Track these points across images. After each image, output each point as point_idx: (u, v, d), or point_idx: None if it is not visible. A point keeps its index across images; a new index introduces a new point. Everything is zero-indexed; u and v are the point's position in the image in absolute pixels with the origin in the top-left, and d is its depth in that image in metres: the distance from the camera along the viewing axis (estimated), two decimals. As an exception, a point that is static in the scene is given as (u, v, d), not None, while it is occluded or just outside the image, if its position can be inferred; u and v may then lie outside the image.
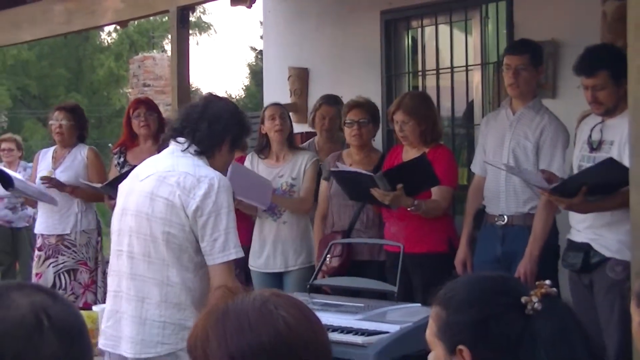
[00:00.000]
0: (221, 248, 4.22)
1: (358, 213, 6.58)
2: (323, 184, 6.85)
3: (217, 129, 4.39)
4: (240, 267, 6.84)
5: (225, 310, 2.03)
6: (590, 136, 5.53)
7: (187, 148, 4.37)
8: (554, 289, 2.35)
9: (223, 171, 4.55)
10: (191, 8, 7.05)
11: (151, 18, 26.79)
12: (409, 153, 6.40)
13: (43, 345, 1.71)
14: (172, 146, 4.45)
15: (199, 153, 4.37)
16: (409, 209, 6.05)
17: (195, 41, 35.11)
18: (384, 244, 6.35)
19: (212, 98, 4.66)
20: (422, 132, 6.35)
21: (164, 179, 4.30)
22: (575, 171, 5.53)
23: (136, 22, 28.52)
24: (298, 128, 8.03)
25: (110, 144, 8.06)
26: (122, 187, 4.58)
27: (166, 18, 14.72)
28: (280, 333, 1.96)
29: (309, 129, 8.40)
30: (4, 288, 1.82)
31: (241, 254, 4.32)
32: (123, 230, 4.42)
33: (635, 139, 4.25)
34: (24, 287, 1.84)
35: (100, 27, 15.18)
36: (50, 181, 7.52)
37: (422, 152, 6.27)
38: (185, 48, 6.80)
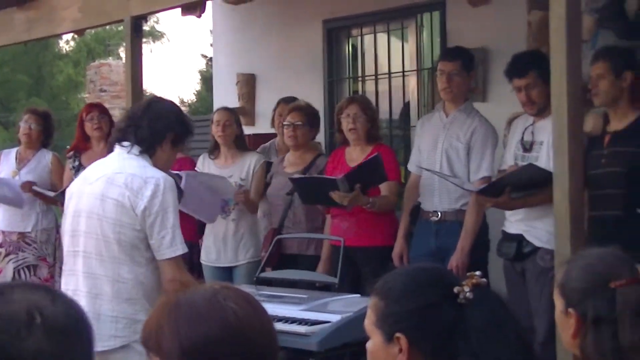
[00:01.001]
0: (169, 244, 4.20)
1: (286, 212, 6.59)
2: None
3: (158, 126, 4.36)
4: (192, 261, 6.84)
5: (177, 303, 2.00)
6: (523, 137, 5.60)
7: (131, 150, 4.34)
8: (484, 280, 2.35)
9: (166, 168, 4.53)
10: (144, 17, 7.02)
11: (107, 27, 26.62)
12: (352, 154, 6.40)
13: (29, 341, 1.67)
14: (118, 149, 4.41)
15: (142, 152, 4.34)
16: (365, 207, 6.05)
17: (149, 49, 35.01)
18: (325, 239, 6.33)
19: (155, 99, 4.68)
20: (369, 128, 6.34)
21: (113, 181, 4.26)
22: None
23: (93, 31, 28.33)
24: (246, 130, 7.98)
25: (68, 146, 7.98)
26: (71, 190, 4.53)
27: (121, 27, 14.62)
28: (229, 323, 1.95)
29: (257, 132, 8.40)
30: (9, 286, 1.80)
31: (186, 250, 4.31)
32: (77, 232, 4.38)
33: (558, 138, 4.28)
34: (27, 286, 1.83)
35: (59, 36, 15.05)
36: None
37: (364, 151, 6.31)
38: (138, 55, 6.78)
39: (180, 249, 4.24)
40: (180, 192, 6.03)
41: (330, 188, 5.98)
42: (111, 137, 4.70)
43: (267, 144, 7.63)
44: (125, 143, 4.38)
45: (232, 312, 1.97)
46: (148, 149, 4.36)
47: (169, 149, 4.44)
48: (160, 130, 4.37)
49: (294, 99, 7.49)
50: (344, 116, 6.35)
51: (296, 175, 6.38)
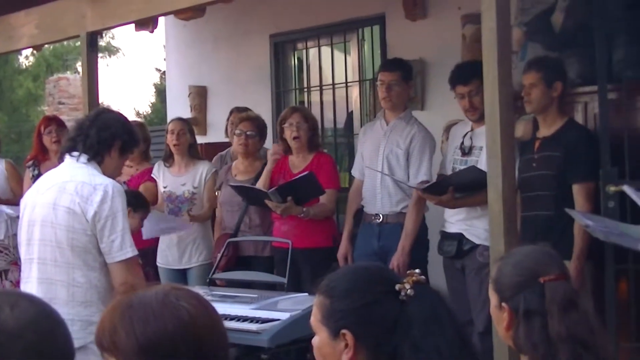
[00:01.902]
0: (119, 247, 4.16)
1: (242, 217, 6.56)
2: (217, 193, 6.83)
3: (106, 134, 4.34)
4: (149, 265, 6.84)
5: (130, 303, 1.98)
6: (462, 143, 5.65)
7: (80, 158, 4.31)
8: (423, 277, 2.36)
9: (114, 175, 4.51)
10: (99, 33, 6.97)
11: (65, 42, 26.36)
12: (295, 161, 6.39)
13: None
14: (68, 159, 4.37)
15: (90, 160, 4.31)
16: (299, 215, 6.05)
17: (106, 63, 34.67)
18: (272, 241, 6.32)
19: (103, 110, 4.67)
20: (310, 137, 6.34)
21: (64, 190, 4.23)
22: (449, 172, 5.64)
23: (51, 47, 28.07)
24: (199, 140, 7.93)
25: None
26: (25, 201, 4.49)
27: (78, 42, 14.50)
28: (183, 322, 1.93)
29: (209, 141, 8.37)
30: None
31: (136, 252, 4.25)
32: (31, 240, 4.33)
33: (491, 143, 4.31)
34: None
35: (18, 51, 14.87)
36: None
37: (306, 159, 6.31)
38: (94, 69, 6.72)
39: (130, 251, 4.19)
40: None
41: (263, 197, 6.01)
42: (61, 146, 4.66)
43: (224, 152, 7.60)
44: (75, 152, 4.34)
45: (185, 310, 1.96)
46: (96, 157, 4.32)
47: (117, 156, 4.40)
48: (107, 138, 4.34)
49: (246, 108, 7.48)
50: (287, 125, 6.33)
51: (233, 183, 6.38)
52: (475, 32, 6.43)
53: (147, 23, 7.16)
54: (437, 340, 2.27)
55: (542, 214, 5.32)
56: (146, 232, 6.33)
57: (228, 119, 7.53)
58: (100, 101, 7.01)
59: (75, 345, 4.22)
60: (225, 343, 2.06)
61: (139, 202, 5.80)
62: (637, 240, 4.52)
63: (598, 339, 2.59)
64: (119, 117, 4.54)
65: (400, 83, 6.02)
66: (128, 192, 5.15)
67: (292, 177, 6.23)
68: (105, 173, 4.36)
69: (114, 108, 4.98)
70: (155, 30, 8.09)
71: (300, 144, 6.33)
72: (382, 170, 5.98)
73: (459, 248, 5.58)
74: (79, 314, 4.19)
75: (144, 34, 8.60)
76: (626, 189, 4.80)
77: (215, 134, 8.82)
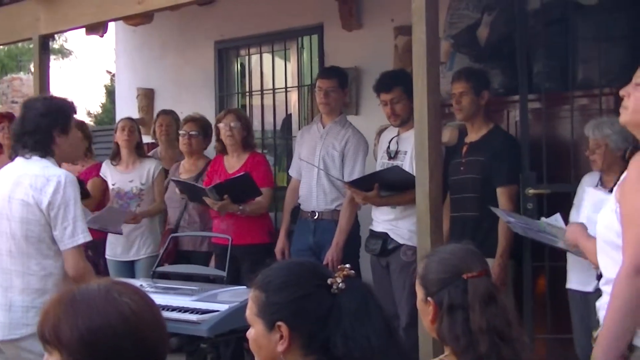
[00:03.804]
0: (70, 234, 4.10)
1: (182, 213, 6.52)
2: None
3: (39, 135, 4.20)
4: (100, 256, 6.84)
5: (73, 298, 1.94)
6: (389, 147, 5.66)
7: (31, 156, 4.22)
8: (353, 271, 2.37)
9: (75, 153, 4.48)
10: (51, 36, 6.89)
11: (19, 44, 25.97)
12: (230, 161, 6.35)
13: None
14: (20, 156, 4.28)
15: (42, 156, 4.22)
16: (236, 213, 6.02)
17: (59, 65, 34.23)
18: (212, 237, 6.28)
19: (26, 108, 4.37)
20: (244, 137, 6.30)
21: (19, 183, 4.15)
22: None
23: (6, 48, 27.71)
24: (145, 140, 7.85)
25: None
26: None
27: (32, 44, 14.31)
28: (125, 316, 1.90)
29: (152, 140, 8.30)
30: None
31: (89, 238, 4.18)
32: None
33: (420, 147, 4.32)
34: None
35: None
36: None
37: (240, 158, 6.30)
38: (46, 70, 6.66)
39: (82, 238, 4.12)
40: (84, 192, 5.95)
41: (202, 194, 5.98)
42: (11, 144, 4.54)
43: (150, 152, 7.54)
44: (25, 150, 4.25)
45: (127, 305, 1.92)
46: (45, 153, 4.23)
47: (65, 138, 4.25)
48: (42, 136, 4.20)
49: (172, 111, 7.43)
50: (222, 125, 6.30)
51: (174, 178, 6.34)
52: (406, 43, 6.46)
53: (97, 28, 7.10)
54: (366, 330, 2.28)
55: (469, 214, 5.37)
56: (91, 222, 6.29)
57: (155, 122, 7.49)
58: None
59: (29, 332, 4.16)
60: (165, 336, 2.03)
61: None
62: (554, 238, 4.57)
63: (515, 331, 2.61)
64: (42, 107, 4.29)
65: (336, 89, 6.04)
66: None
67: (227, 176, 6.22)
68: (63, 159, 4.32)
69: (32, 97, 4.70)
70: (105, 35, 8.03)
71: (234, 142, 6.28)
72: (318, 172, 5.98)
73: (383, 247, 5.59)
74: (34, 301, 4.13)
75: (96, 37, 8.51)
76: (496, 211, 4.89)
77: (151, 135, 8.73)
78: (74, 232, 4.11)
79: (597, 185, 4.94)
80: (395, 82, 5.45)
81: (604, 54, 5.43)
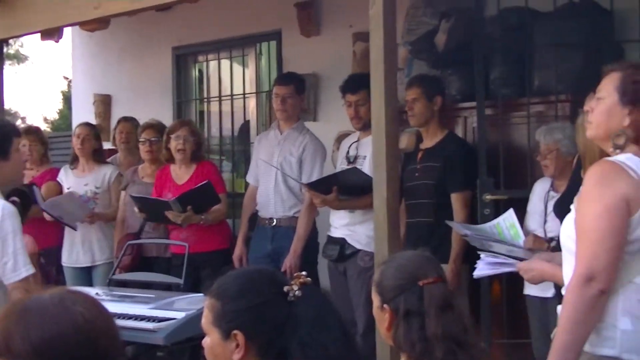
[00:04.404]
0: (12, 269, 3.94)
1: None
2: (122, 193, 6.69)
3: None
4: (51, 264, 6.75)
5: (25, 308, 1.91)
6: (348, 152, 5.67)
7: None
8: (309, 279, 2.36)
9: (17, 176, 4.37)
10: (5, 41, 6.80)
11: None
12: (177, 172, 6.30)
13: None
14: None
15: None
16: (199, 223, 5.99)
17: (14, 71, 33.88)
18: (170, 245, 6.24)
19: None
20: (194, 150, 6.27)
21: None
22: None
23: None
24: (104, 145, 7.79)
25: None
26: None
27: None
28: (79, 325, 1.87)
29: (112, 147, 8.24)
30: None
31: (31, 271, 4.01)
32: None
33: (377, 154, 4.33)
34: None
35: None
36: None
37: (189, 168, 6.25)
38: (0, 75, 6.55)
39: (24, 271, 3.96)
40: (29, 202, 5.87)
41: (164, 208, 5.93)
42: None
43: (110, 159, 7.48)
44: None
45: (80, 314, 1.89)
46: None
47: (5, 164, 4.09)
48: None
49: (133, 118, 7.38)
50: (174, 137, 6.23)
51: (134, 195, 6.26)
52: (365, 49, 6.47)
53: (52, 33, 7.03)
54: (323, 338, 2.27)
55: (424, 220, 5.39)
56: (49, 205, 6.29)
57: (115, 128, 7.44)
58: (5, 107, 6.85)
59: None
60: (119, 344, 2.00)
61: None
62: (512, 248, 4.60)
63: (471, 337, 2.62)
64: None
65: (293, 96, 6.03)
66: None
67: (177, 187, 6.17)
68: (6, 182, 4.21)
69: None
70: (60, 40, 7.95)
71: (184, 156, 6.23)
72: (276, 179, 5.97)
73: (341, 252, 5.59)
74: None
75: (52, 42, 8.44)
76: (453, 225, 4.92)
77: (111, 141, 8.67)
78: (15, 267, 3.95)
79: (548, 191, 4.98)
80: (362, 84, 5.46)
81: (560, 60, 5.48)
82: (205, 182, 5.97)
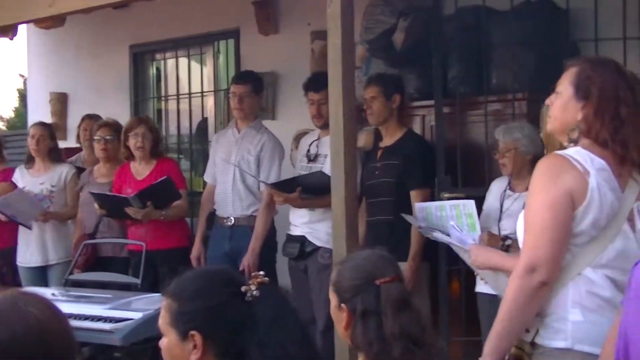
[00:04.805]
0: None
1: (100, 218, 6.41)
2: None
3: None
4: (7, 265, 6.72)
5: None
6: (308, 150, 5.68)
7: None
8: (267, 279, 2.37)
9: None
10: (-41, 39, 6.71)
11: None
12: (138, 168, 6.26)
13: None
14: None
15: None
16: (159, 218, 5.97)
17: (-31, 69, 33.56)
18: (127, 244, 6.20)
19: None
20: (153, 147, 6.24)
21: None
22: None
23: None
24: (59, 144, 7.72)
25: None
26: None
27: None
28: (31, 326, 1.86)
29: (69, 146, 8.19)
30: None
31: None
32: None
33: (335, 153, 4.33)
34: None
35: None
36: None
37: (149, 164, 6.23)
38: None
39: None
40: None
41: (124, 204, 5.90)
42: None
43: (74, 157, 7.43)
44: None
45: (33, 315, 1.89)
46: None
47: None
48: None
49: (97, 116, 7.33)
50: (132, 135, 6.20)
51: (93, 192, 6.22)
52: (323, 47, 6.46)
53: (7, 30, 6.95)
54: (282, 338, 2.27)
55: (384, 218, 5.40)
56: (0, 204, 6.30)
57: (79, 126, 7.38)
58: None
59: None
60: (74, 345, 2.00)
61: None
62: (469, 234, 4.63)
63: (429, 336, 2.63)
64: None
65: (250, 94, 6.01)
66: None
67: (137, 183, 6.14)
68: None
69: None
70: (15, 38, 7.87)
71: (144, 153, 6.21)
72: (234, 177, 5.95)
73: (301, 250, 5.59)
74: None
75: (7, 40, 8.36)
76: (407, 217, 4.94)
77: (75, 139, 8.61)
78: None
79: (505, 190, 5.01)
80: (326, 83, 5.45)
81: (517, 59, 5.52)
82: (165, 177, 5.94)
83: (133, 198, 5.86)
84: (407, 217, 5.01)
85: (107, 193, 6.21)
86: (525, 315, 2.73)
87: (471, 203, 4.56)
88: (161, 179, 5.95)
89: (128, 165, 6.33)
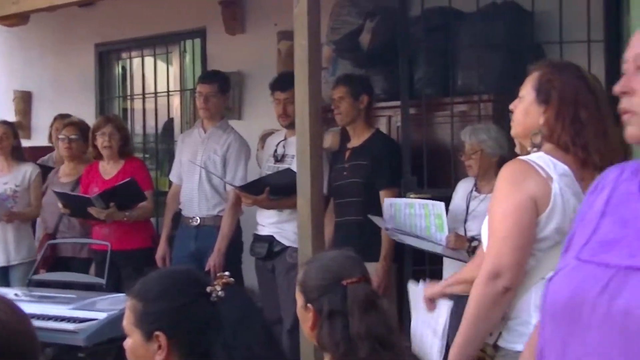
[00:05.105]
0: None
1: (60, 218, 6.37)
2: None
3: None
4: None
5: None
6: (275, 150, 5.67)
7: None
8: (232, 279, 2.36)
9: None
10: None
11: None
12: (106, 167, 6.25)
13: None
14: None
15: None
16: (122, 220, 5.94)
17: None
18: (91, 244, 6.17)
19: None
20: (121, 145, 6.22)
21: None
22: None
23: None
24: (23, 143, 7.63)
25: None
26: None
27: None
28: None
29: (34, 145, 8.12)
30: None
31: None
32: None
33: (301, 154, 4.33)
34: None
35: None
36: None
37: (117, 164, 6.21)
38: None
39: None
40: None
41: (87, 204, 5.87)
42: None
43: (46, 156, 7.38)
44: None
45: None
46: None
47: None
48: None
49: (69, 115, 7.27)
50: (100, 134, 6.19)
51: (57, 190, 6.18)
52: (289, 48, 6.46)
53: (-31, 28, 6.85)
54: (247, 339, 2.27)
55: (353, 219, 5.40)
56: None
57: (51, 125, 7.33)
58: None
59: None
60: (36, 346, 1.98)
61: None
62: (435, 244, 4.64)
63: (395, 337, 2.63)
64: None
65: (217, 94, 6.00)
66: None
67: (104, 183, 6.12)
68: None
69: None
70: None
71: (111, 152, 6.20)
72: (200, 178, 5.93)
73: (269, 250, 5.58)
74: None
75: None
76: (374, 219, 4.96)
77: (39, 138, 8.54)
78: None
79: (471, 191, 5.03)
80: (292, 82, 5.45)
81: (483, 61, 5.55)
82: (129, 179, 5.92)
83: (95, 198, 5.84)
84: (374, 219, 5.02)
85: (70, 192, 6.17)
86: (489, 320, 2.73)
87: (441, 204, 4.58)
88: (125, 180, 5.93)
89: (97, 164, 6.30)
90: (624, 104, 1.77)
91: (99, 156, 6.26)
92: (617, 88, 1.78)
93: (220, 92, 6.01)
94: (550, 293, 1.80)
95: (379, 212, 5.22)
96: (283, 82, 5.60)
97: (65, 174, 6.55)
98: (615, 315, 1.61)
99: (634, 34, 1.81)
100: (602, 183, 1.87)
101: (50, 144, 7.54)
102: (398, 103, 5.71)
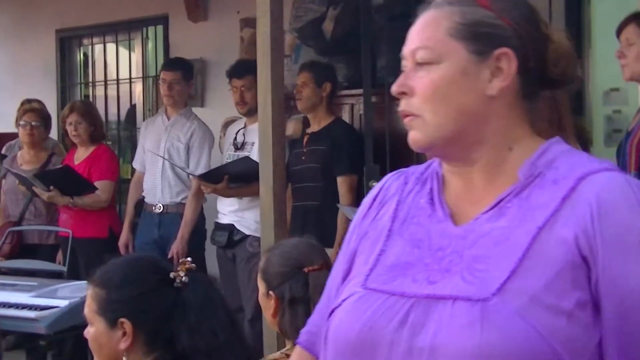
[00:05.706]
0: None
1: (27, 204, 6.35)
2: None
3: None
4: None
5: None
6: (235, 138, 5.68)
7: None
8: (194, 265, 2.38)
9: None
10: None
11: None
12: (78, 153, 6.26)
13: None
14: None
15: None
16: (68, 204, 5.96)
17: None
18: (56, 231, 6.15)
19: None
20: (92, 132, 6.20)
21: None
22: None
23: None
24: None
25: None
26: None
27: None
28: None
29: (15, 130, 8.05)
30: None
31: None
32: None
33: (263, 142, 4.34)
34: None
35: None
36: None
37: (88, 150, 6.22)
38: None
39: None
40: None
41: (30, 183, 5.92)
42: None
43: (13, 141, 7.30)
44: None
45: None
46: None
47: None
48: None
49: (38, 100, 7.21)
50: (68, 124, 6.21)
51: (12, 170, 6.22)
52: (252, 35, 6.44)
53: None
54: (211, 324, 2.29)
55: (310, 204, 5.43)
56: None
57: (19, 110, 7.27)
58: None
59: None
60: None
61: None
62: None
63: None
64: None
65: (180, 82, 6.00)
66: None
67: (74, 168, 6.13)
68: None
69: None
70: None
71: (80, 140, 6.21)
72: (163, 165, 5.93)
73: (229, 238, 5.59)
74: None
75: None
76: (342, 208, 4.98)
77: (1, 124, 8.46)
78: None
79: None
80: (249, 69, 5.44)
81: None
82: (62, 166, 5.97)
83: (32, 177, 5.90)
84: (342, 208, 5.05)
85: (18, 172, 6.17)
86: None
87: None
88: (58, 167, 5.98)
89: (74, 150, 6.35)
90: (404, 106, 1.57)
91: (73, 144, 6.32)
92: (394, 88, 1.58)
93: (184, 80, 6.02)
94: (334, 329, 1.50)
95: (336, 198, 5.25)
96: (240, 70, 5.62)
97: (26, 161, 6.50)
98: (420, 354, 1.36)
99: (415, 26, 1.64)
100: (384, 194, 1.66)
101: (16, 130, 7.49)
102: (361, 91, 5.73)
